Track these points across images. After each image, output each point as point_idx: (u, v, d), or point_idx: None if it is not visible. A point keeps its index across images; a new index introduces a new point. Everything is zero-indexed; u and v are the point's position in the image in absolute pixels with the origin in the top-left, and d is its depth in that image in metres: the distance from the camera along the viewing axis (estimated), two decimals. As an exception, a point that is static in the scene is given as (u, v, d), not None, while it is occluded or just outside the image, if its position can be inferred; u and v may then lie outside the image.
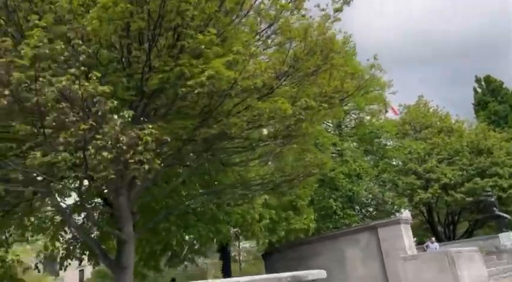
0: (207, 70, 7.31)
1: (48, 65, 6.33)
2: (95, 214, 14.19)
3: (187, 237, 16.96)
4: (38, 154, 6.43)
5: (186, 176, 12.73)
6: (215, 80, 7.34)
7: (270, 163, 14.56)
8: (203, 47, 7.61)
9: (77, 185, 15.13)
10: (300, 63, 9.37)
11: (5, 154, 8.03)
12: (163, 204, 13.35)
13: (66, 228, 15.20)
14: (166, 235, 15.51)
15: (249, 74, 7.82)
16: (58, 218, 15.03)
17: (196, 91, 7.31)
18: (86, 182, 16.21)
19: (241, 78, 7.69)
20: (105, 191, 12.18)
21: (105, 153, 6.67)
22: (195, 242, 17.41)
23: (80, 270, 47.49)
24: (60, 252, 14.94)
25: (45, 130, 6.93)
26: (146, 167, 7.02)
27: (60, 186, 11.99)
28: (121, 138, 6.54)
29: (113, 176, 7.23)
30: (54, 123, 6.69)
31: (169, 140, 7.36)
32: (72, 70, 6.23)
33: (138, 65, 8.24)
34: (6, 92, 6.39)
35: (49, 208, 14.36)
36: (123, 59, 8.13)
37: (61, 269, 15.56)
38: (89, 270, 42.68)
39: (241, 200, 15.18)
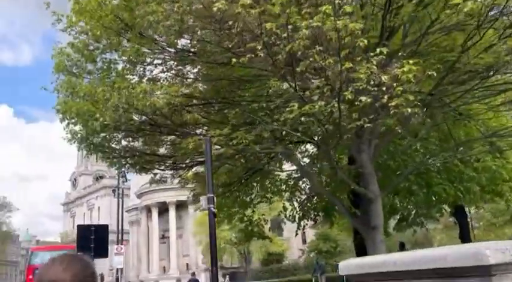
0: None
1: (297, 9, 5.93)
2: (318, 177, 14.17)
3: (412, 199, 15.49)
4: (296, 106, 6.17)
5: (426, 130, 11.24)
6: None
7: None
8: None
9: (306, 148, 15.51)
10: None
11: (257, 114, 8.29)
12: (400, 162, 12.24)
13: (301, 190, 15.90)
14: (393, 197, 14.47)
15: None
16: (291, 181, 15.76)
17: (465, 9, 5.83)
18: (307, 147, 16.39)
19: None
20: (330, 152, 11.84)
21: (363, 98, 5.95)
22: (419, 205, 15.81)
23: (302, 232, 51.35)
24: (298, 213, 15.69)
25: (296, 82, 6.67)
26: (409, 110, 6.02)
27: (290, 149, 12.25)
28: (382, 78, 5.68)
29: (368, 125, 6.51)
30: (306, 72, 6.32)
31: (435, 74, 6.15)
32: (323, 8, 5.65)
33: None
34: (259, 47, 6.32)
35: (278, 171, 15.03)
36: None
37: (298, 228, 16.39)
38: (310, 233, 45.42)
39: (490, 155, 12.82)
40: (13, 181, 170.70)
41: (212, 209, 6.16)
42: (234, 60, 6.60)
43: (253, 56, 6.37)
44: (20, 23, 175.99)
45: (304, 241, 55.40)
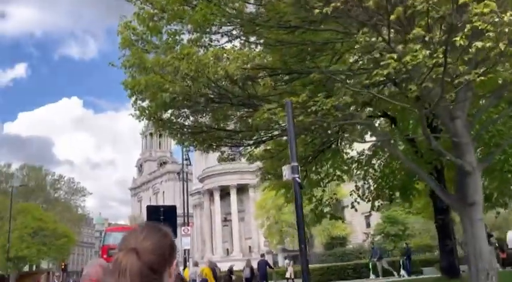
0: None
1: None
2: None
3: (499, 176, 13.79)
4: (395, 56, 5.26)
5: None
6: None
7: None
8: None
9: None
10: None
11: (338, 76, 7.44)
12: (495, 132, 10.85)
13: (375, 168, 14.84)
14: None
15: None
16: (363, 159, 14.72)
17: None
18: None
19: None
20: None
21: (479, 43, 4.91)
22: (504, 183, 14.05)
23: (365, 216, 49.53)
24: (372, 192, 14.69)
25: (390, 34, 5.73)
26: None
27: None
28: (505, 17, 4.62)
29: (481, 78, 5.45)
30: (403, 19, 5.37)
31: None
32: None
33: None
34: (346, -7, 5.47)
35: (358, 142, 13.95)
36: None
37: (373, 209, 15.38)
38: (374, 217, 43.68)
39: None
40: (85, 168, 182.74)
41: (297, 179, 5.49)
42: (316, 11, 5.79)
43: (338, 4, 5.52)
44: (85, 19, 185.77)
45: (368, 225, 53.63)
